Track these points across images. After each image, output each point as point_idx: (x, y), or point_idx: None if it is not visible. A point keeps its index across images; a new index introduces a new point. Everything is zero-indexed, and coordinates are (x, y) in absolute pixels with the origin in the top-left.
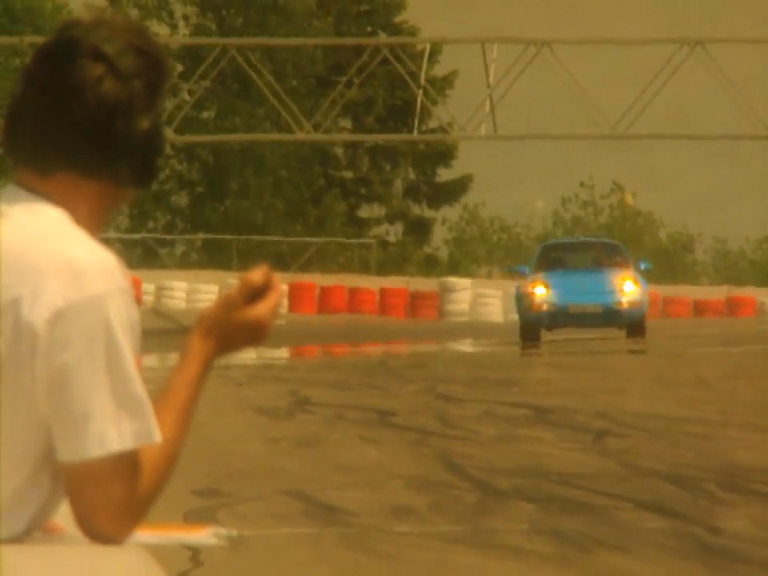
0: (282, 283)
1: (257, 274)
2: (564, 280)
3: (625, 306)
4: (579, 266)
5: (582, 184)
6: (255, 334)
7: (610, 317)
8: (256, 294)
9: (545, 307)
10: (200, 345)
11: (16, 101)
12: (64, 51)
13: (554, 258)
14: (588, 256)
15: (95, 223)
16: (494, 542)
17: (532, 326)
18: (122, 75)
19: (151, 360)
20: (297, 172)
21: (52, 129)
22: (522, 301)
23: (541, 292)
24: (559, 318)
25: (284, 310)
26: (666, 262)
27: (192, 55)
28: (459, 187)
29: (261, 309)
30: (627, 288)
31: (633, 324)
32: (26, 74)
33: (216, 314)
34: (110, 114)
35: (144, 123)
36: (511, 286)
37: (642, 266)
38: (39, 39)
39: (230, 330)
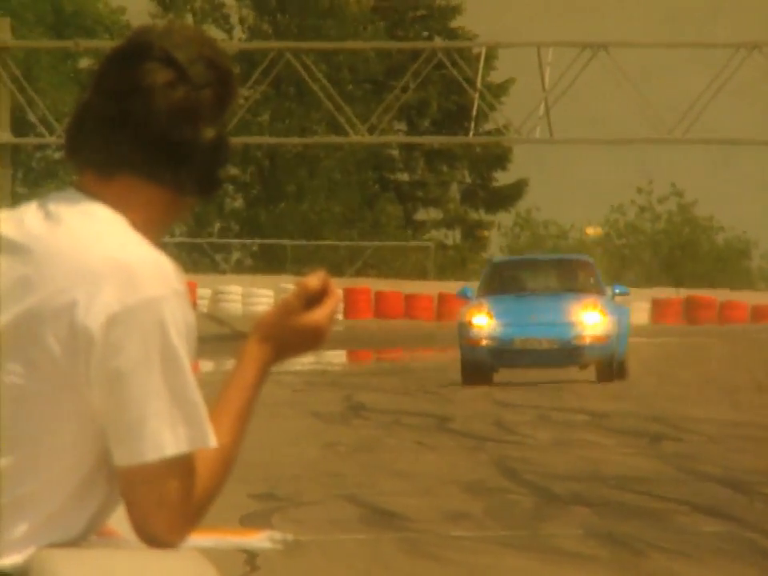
0: (338, 288)
1: (314, 280)
2: (512, 307)
3: (586, 341)
4: (535, 289)
5: (639, 190)
6: (312, 340)
7: (568, 355)
8: (313, 299)
9: (484, 342)
10: (257, 350)
11: (83, 103)
12: (135, 54)
13: (504, 278)
14: (548, 277)
15: (154, 229)
16: (549, 546)
17: (472, 366)
18: (192, 83)
19: (207, 365)
20: (352, 175)
21: (117, 130)
22: (461, 332)
23: (481, 322)
24: (503, 355)
25: (340, 315)
26: (724, 267)
27: (247, 59)
28: (515, 191)
29: (318, 314)
30: (590, 319)
31: (600, 365)
32: (94, 76)
33: (273, 319)
34: (176, 119)
35: (210, 133)
36: None
37: (617, 290)
38: (94, 43)
39: (288, 336)
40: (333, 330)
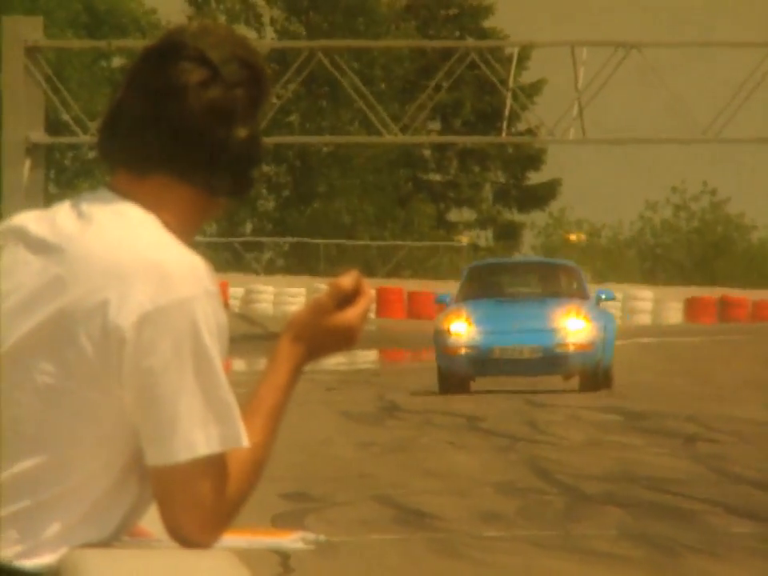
0: (371, 288)
1: (347, 280)
2: (491, 313)
3: (570, 349)
4: (516, 294)
5: (673, 189)
6: (345, 340)
7: (551, 364)
8: (346, 299)
9: (463, 350)
10: (289, 350)
11: (116, 102)
12: (168, 53)
13: (484, 283)
14: (529, 282)
15: (187, 229)
16: (582, 546)
17: (450, 375)
18: (226, 82)
19: (239, 364)
20: (384, 175)
21: (150, 129)
22: (438, 340)
23: (459, 329)
24: (483, 364)
25: (372, 314)
26: (757, 267)
27: (279, 59)
28: (548, 192)
29: (351, 314)
30: (573, 326)
31: (585, 374)
32: (128, 75)
33: (306, 318)
34: (209, 118)
35: (242, 132)
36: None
37: (602, 295)
38: (126, 43)
39: (320, 336)
40: (365, 330)
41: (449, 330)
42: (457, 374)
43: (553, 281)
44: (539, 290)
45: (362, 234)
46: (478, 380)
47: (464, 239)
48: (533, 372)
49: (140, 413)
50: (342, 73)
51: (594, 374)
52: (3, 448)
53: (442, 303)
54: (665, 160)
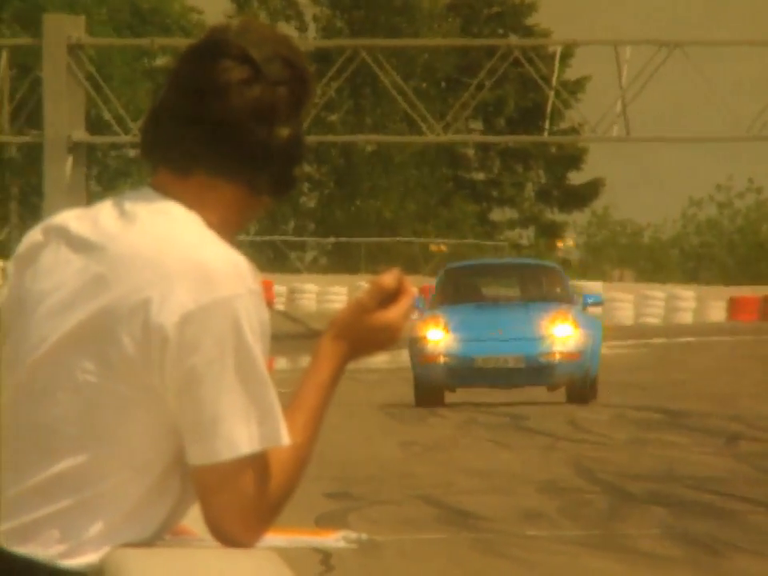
0: (413, 286)
1: (388, 278)
2: (471, 319)
3: (557, 358)
4: (496, 299)
5: (718, 187)
6: (387, 338)
7: (537, 373)
8: (387, 297)
9: (441, 359)
10: (331, 348)
11: (159, 100)
12: (211, 51)
13: (461, 286)
14: (510, 285)
15: (229, 228)
16: (625, 546)
17: (427, 385)
18: (268, 81)
19: (282, 363)
20: (426, 174)
21: (192, 127)
22: (413, 348)
23: (436, 336)
24: (462, 374)
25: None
26: None
27: (322, 57)
28: (591, 191)
29: (393, 313)
30: (560, 333)
31: (572, 385)
32: (170, 74)
33: (347, 317)
34: (251, 116)
35: (285, 131)
36: (645, 290)
37: (589, 300)
38: (169, 41)
39: (362, 334)
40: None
41: (425, 338)
42: (434, 384)
43: (535, 283)
44: (521, 294)
45: (404, 232)
46: (457, 391)
47: (506, 238)
48: (517, 382)
49: (182, 412)
50: (385, 71)
51: (583, 385)
52: (45, 447)
53: (415, 308)
54: (709, 158)
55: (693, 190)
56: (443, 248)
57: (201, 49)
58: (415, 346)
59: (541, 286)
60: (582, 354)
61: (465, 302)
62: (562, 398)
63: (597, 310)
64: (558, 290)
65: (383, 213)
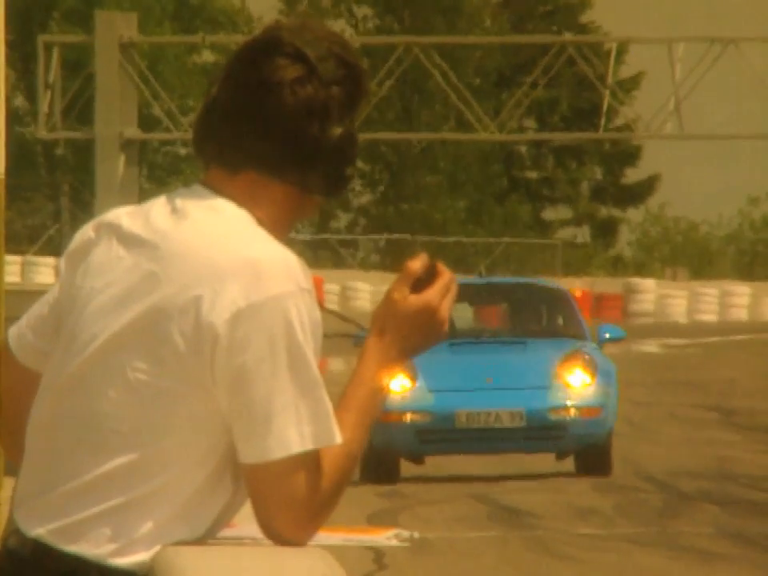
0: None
1: (416, 263)
2: (449, 362)
3: (571, 414)
4: (482, 333)
5: None
6: (431, 323)
7: (542, 436)
8: (421, 283)
9: (409, 417)
10: (374, 343)
11: (211, 97)
12: (265, 49)
13: None
14: (502, 313)
15: (280, 227)
16: (679, 544)
17: (383, 454)
18: (321, 80)
19: (336, 363)
20: (479, 172)
21: (245, 124)
22: None
23: (401, 385)
24: (437, 438)
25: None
26: None
27: (372, 55)
28: (646, 188)
29: (428, 294)
30: (575, 379)
31: (586, 451)
32: (223, 71)
33: (384, 310)
34: (304, 115)
35: (337, 130)
36: (699, 287)
37: (607, 335)
38: (220, 38)
39: (401, 323)
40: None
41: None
42: (394, 452)
43: (534, 312)
44: (514, 327)
45: (456, 231)
46: (427, 461)
47: (560, 237)
48: (514, 448)
49: (233, 410)
50: (437, 68)
51: (602, 451)
52: (95, 445)
53: (361, 343)
54: (765, 155)
55: (749, 187)
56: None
57: (255, 46)
58: None
59: (540, 315)
60: (604, 409)
61: None
62: (570, 467)
63: (614, 349)
64: (567, 321)
65: (435, 211)
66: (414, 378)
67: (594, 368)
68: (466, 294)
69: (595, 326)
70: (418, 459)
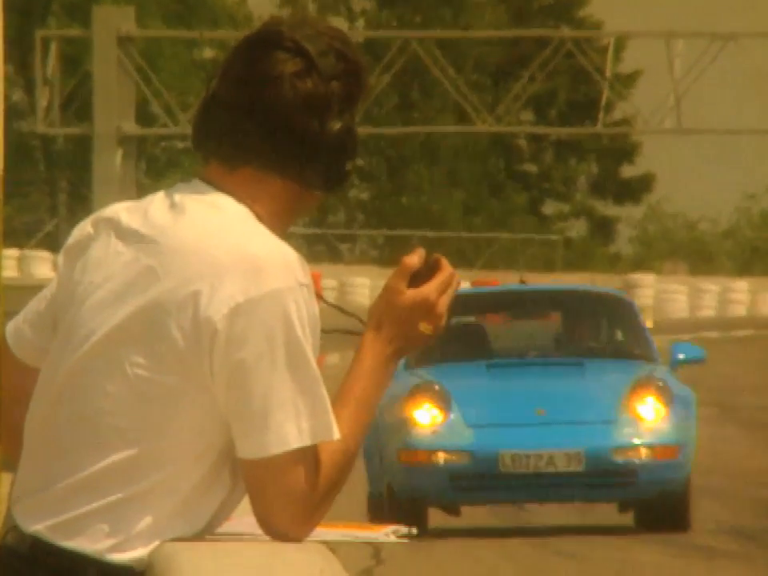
0: (466, 281)
1: (413, 257)
2: (488, 389)
3: (641, 455)
4: (526, 353)
5: None
6: (428, 317)
7: (603, 482)
8: (419, 277)
9: (440, 458)
10: (371, 338)
11: (211, 91)
12: (265, 43)
13: (465, 332)
14: (546, 329)
15: (279, 221)
16: (679, 540)
17: (407, 503)
18: (321, 74)
19: (333, 358)
20: (478, 165)
21: (244, 118)
22: (388, 437)
23: (429, 419)
24: (477, 484)
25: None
26: None
27: (369, 49)
28: (643, 184)
29: (426, 288)
30: (648, 412)
31: (659, 502)
32: (223, 65)
33: (381, 304)
34: (304, 109)
35: (336, 125)
36: (698, 282)
37: (680, 355)
38: (218, 33)
39: (399, 317)
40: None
41: (410, 422)
42: (426, 500)
43: (592, 326)
44: (569, 343)
45: (454, 224)
46: (463, 511)
47: (557, 232)
48: (570, 497)
49: (231, 405)
50: (436, 62)
51: (678, 501)
52: (94, 441)
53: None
54: (764, 151)
55: (747, 183)
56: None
57: (255, 41)
58: (392, 435)
59: (602, 332)
60: (681, 449)
61: (472, 359)
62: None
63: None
64: (633, 337)
65: (434, 205)
66: (446, 409)
67: (668, 397)
68: (504, 304)
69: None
70: (452, 509)
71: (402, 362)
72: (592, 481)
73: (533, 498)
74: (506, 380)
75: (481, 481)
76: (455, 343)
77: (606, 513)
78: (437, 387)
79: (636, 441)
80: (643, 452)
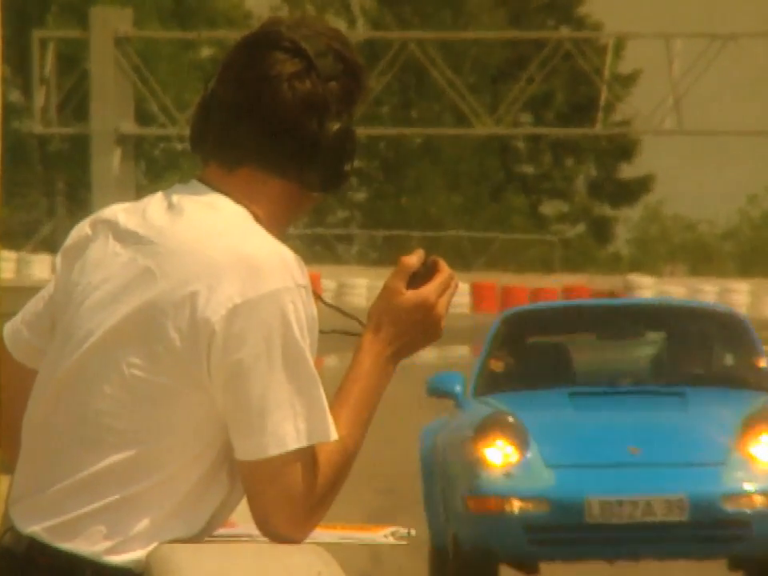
0: (465, 282)
1: (412, 258)
2: (572, 422)
3: (756, 504)
4: (616, 379)
5: None
6: (426, 320)
7: (711, 535)
8: (417, 278)
9: (515, 506)
10: (370, 339)
11: (209, 92)
12: (264, 44)
13: (541, 354)
14: (645, 351)
15: (278, 223)
16: None
17: (475, 559)
18: (320, 75)
19: (332, 360)
20: (476, 166)
21: (242, 119)
22: (446, 484)
23: (501, 458)
24: (557, 539)
25: (466, 309)
26: None
27: (369, 49)
28: (642, 186)
29: (425, 290)
30: (765, 453)
31: None
32: (221, 65)
33: (380, 305)
34: (302, 110)
35: (335, 126)
36: (697, 283)
37: None
38: (216, 33)
39: (398, 318)
40: (454, 316)
41: (479, 462)
42: (497, 555)
43: (697, 348)
44: (669, 369)
45: (453, 225)
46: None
47: (556, 234)
48: (671, 552)
49: (229, 406)
50: (434, 64)
51: None
52: (91, 442)
53: (441, 394)
54: (764, 152)
55: (747, 183)
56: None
57: (253, 41)
58: (457, 478)
59: (710, 355)
60: None
61: (554, 386)
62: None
63: None
64: (746, 362)
65: (430, 206)
66: (522, 447)
67: None
68: (591, 322)
69: None
70: (528, 567)
71: (469, 388)
72: (697, 533)
73: (626, 554)
74: (593, 412)
75: (563, 533)
76: (533, 367)
77: (714, 571)
78: (511, 420)
79: (749, 487)
80: (758, 500)
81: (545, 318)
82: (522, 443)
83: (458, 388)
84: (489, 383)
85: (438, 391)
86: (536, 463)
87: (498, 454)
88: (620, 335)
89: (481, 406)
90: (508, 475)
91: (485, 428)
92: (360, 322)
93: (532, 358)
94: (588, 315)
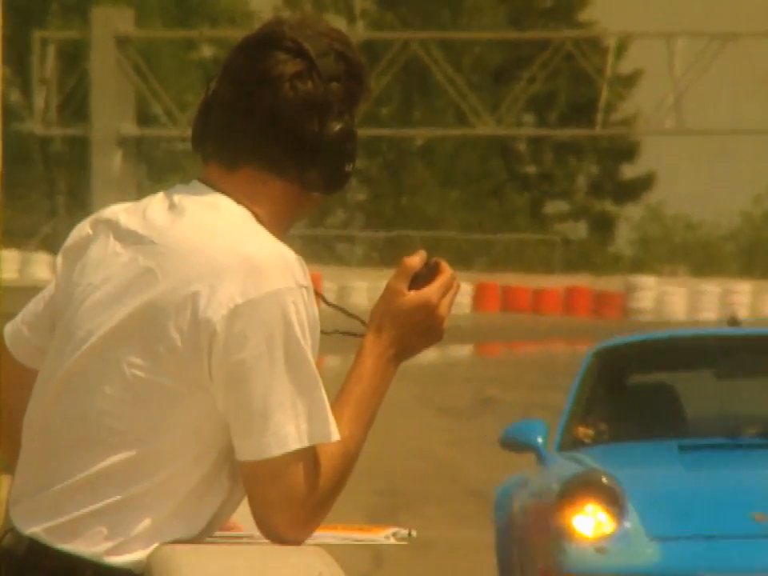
0: (466, 282)
1: (414, 259)
2: (681, 483)
3: None
4: (736, 428)
5: None
6: (428, 321)
7: None
8: (419, 279)
9: None
10: (372, 340)
11: (210, 92)
12: (265, 44)
13: (640, 398)
14: (755, 390)
15: (279, 223)
16: None
17: None
18: (321, 76)
19: (334, 360)
20: (477, 166)
21: (244, 119)
22: (524, 557)
23: (596, 528)
24: None
25: (467, 309)
26: None
27: (369, 49)
28: (643, 185)
29: (427, 291)
30: None
31: None
32: (223, 66)
33: (382, 306)
34: (304, 110)
35: (336, 127)
36: (699, 284)
37: None
38: (218, 33)
39: (399, 318)
40: (455, 316)
41: (567, 530)
42: None
43: None
44: None
45: (454, 226)
46: None
47: (558, 233)
48: None
49: (230, 407)
50: (436, 64)
51: None
52: (92, 442)
53: (523, 447)
54: (764, 151)
55: (748, 183)
56: None
57: (255, 41)
58: (537, 550)
59: None
60: None
61: (658, 438)
62: None
63: None
64: None
65: (431, 207)
66: (619, 513)
67: None
68: (706, 356)
69: None
70: None
71: (554, 440)
72: None
73: None
74: (708, 470)
75: None
76: (633, 414)
77: None
78: (605, 480)
79: None
80: None
81: (647, 353)
82: (619, 509)
83: (539, 440)
84: (578, 433)
85: (516, 444)
86: (636, 534)
87: (589, 523)
88: (743, 373)
89: (567, 463)
90: (601, 549)
91: (572, 490)
92: (362, 322)
93: (632, 402)
94: (703, 348)
